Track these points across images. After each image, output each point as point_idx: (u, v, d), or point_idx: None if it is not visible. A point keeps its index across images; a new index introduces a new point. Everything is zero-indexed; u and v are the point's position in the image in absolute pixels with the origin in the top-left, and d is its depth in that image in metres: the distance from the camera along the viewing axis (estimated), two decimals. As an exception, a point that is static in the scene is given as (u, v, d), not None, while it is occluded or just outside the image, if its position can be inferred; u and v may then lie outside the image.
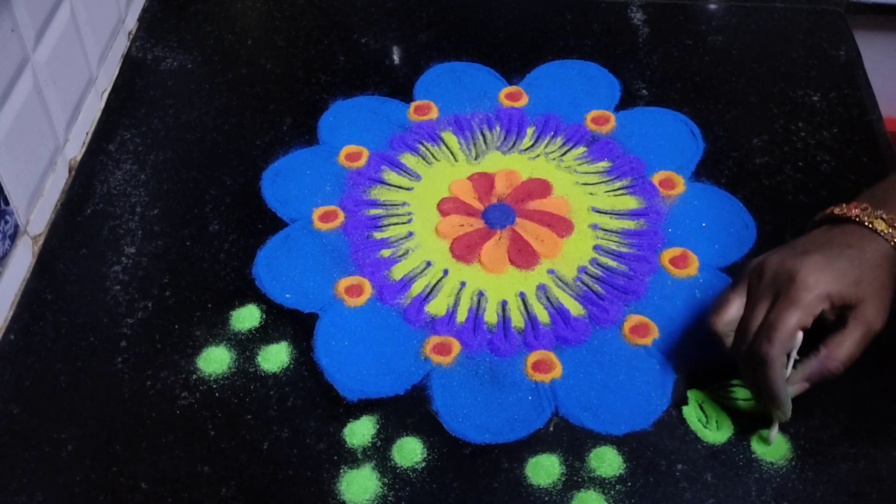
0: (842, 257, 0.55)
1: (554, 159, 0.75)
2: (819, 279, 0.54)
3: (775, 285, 0.55)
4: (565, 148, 0.76)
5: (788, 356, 0.55)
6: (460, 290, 0.67)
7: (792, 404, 0.56)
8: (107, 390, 0.61)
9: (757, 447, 0.58)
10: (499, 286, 0.67)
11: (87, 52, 0.78)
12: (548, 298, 0.66)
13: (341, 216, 0.72)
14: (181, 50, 0.86)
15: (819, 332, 0.56)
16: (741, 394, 0.60)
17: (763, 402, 0.56)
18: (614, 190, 0.73)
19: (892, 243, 0.56)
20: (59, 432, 0.59)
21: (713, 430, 0.59)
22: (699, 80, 0.82)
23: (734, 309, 0.57)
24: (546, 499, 0.56)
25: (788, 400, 0.55)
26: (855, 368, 0.61)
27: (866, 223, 0.57)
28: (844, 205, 0.59)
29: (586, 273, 0.67)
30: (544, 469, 0.57)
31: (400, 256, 0.69)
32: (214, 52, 0.86)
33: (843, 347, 0.54)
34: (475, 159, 0.76)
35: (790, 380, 0.55)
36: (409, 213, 0.72)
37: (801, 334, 0.54)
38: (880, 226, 0.56)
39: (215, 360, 0.63)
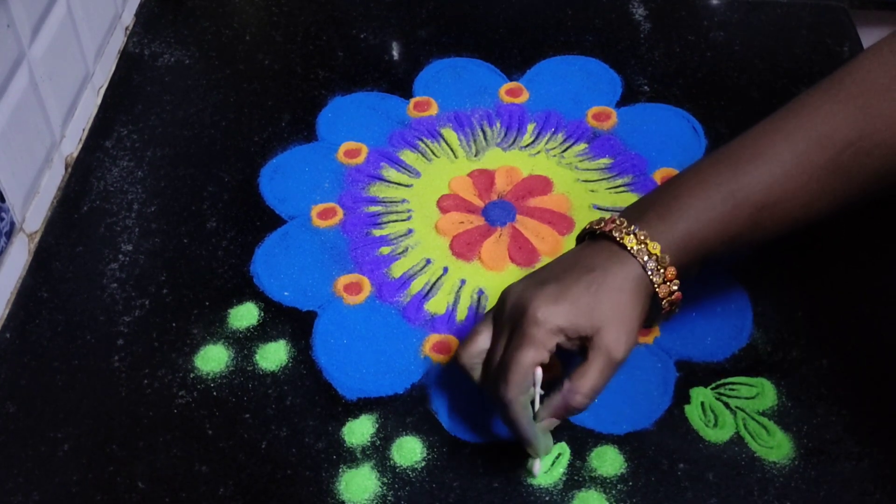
0: (578, 284, 0.52)
1: (555, 156, 0.75)
2: (548, 313, 0.51)
3: (511, 319, 0.53)
4: (566, 144, 0.76)
5: (536, 390, 0.53)
6: (460, 287, 0.66)
7: (552, 438, 0.54)
8: (103, 389, 0.61)
9: (758, 448, 0.57)
10: (499, 284, 0.66)
11: (84, 47, 0.77)
12: (548, 296, 0.65)
13: (340, 213, 0.71)
14: (178, 46, 0.85)
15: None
16: (744, 392, 0.60)
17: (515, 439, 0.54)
18: (616, 187, 0.73)
19: (642, 262, 0.52)
20: (55, 431, 0.59)
21: (715, 430, 0.58)
22: (701, 76, 0.82)
23: (481, 341, 0.54)
24: (547, 498, 0.55)
25: (537, 437, 0.53)
26: (859, 366, 0.61)
27: (618, 240, 0.53)
28: (604, 219, 0.55)
29: (587, 270, 0.67)
30: (545, 468, 0.56)
31: (399, 254, 0.68)
32: (212, 47, 0.85)
33: (585, 380, 0.51)
34: (475, 156, 0.75)
35: (538, 415, 0.53)
36: (409, 211, 0.71)
37: (539, 371, 0.52)
38: (630, 242, 0.52)
39: (213, 359, 0.62)
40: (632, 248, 0.52)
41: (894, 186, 0.53)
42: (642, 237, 0.52)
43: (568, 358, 0.55)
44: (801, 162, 0.52)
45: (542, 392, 0.53)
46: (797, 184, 0.52)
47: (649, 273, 0.52)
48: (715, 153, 0.55)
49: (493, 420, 0.59)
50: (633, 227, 0.53)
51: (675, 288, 0.53)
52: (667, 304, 0.54)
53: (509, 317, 0.53)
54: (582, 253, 0.55)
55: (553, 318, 0.51)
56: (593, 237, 0.55)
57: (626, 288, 0.52)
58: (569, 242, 0.69)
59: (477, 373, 0.55)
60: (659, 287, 0.53)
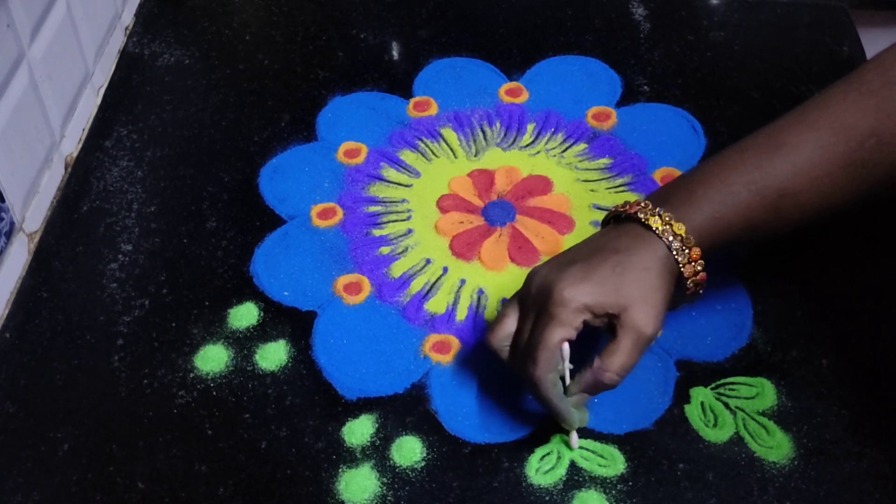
0: (604, 265, 0.53)
1: (554, 156, 0.75)
2: (574, 292, 0.52)
3: (537, 301, 0.54)
4: (566, 144, 0.76)
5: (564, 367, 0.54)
6: (460, 287, 0.66)
7: (587, 410, 0.55)
8: (103, 389, 0.61)
9: (758, 448, 0.57)
10: (499, 284, 0.66)
11: (84, 47, 0.77)
12: (548, 296, 0.65)
13: (340, 213, 0.71)
14: (178, 45, 0.85)
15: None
16: (744, 392, 0.60)
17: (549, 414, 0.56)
18: (615, 187, 0.73)
19: (667, 242, 0.54)
20: (55, 431, 0.59)
21: (715, 430, 0.58)
22: (701, 75, 0.82)
23: (508, 324, 0.55)
24: (547, 498, 0.55)
25: (569, 411, 0.54)
26: (859, 366, 0.61)
27: (643, 221, 0.54)
28: (629, 202, 0.56)
29: (587, 270, 0.67)
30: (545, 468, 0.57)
31: (399, 254, 0.68)
32: (212, 47, 0.85)
33: (615, 357, 0.52)
34: (475, 156, 0.75)
35: (569, 390, 0.54)
36: (409, 211, 0.71)
37: (566, 346, 0.53)
38: (656, 223, 0.54)
39: (213, 359, 0.62)
40: (657, 228, 0.54)
41: None
42: (667, 218, 0.54)
43: (597, 335, 0.55)
44: (823, 152, 0.54)
45: (572, 366, 0.54)
46: (819, 174, 0.54)
47: (674, 253, 0.54)
48: (740, 143, 0.56)
49: (493, 419, 0.59)
50: (658, 209, 0.54)
51: (700, 269, 0.54)
52: (692, 285, 0.55)
53: (535, 298, 0.54)
54: (607, 235, 0.56)
55: (579, 296, 0.52)
56: (618, 220, 0.56)
57: (652, 267, 0.53)
58: (569, 242, 0.69)
59: (505, 354, 0.56)
60: (684, 267, 0.54)
